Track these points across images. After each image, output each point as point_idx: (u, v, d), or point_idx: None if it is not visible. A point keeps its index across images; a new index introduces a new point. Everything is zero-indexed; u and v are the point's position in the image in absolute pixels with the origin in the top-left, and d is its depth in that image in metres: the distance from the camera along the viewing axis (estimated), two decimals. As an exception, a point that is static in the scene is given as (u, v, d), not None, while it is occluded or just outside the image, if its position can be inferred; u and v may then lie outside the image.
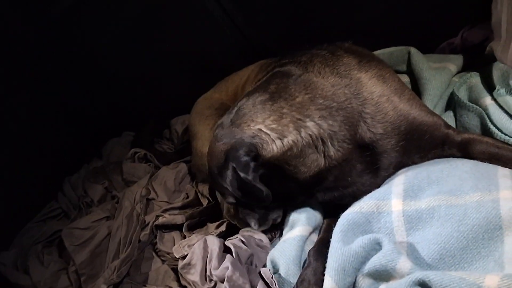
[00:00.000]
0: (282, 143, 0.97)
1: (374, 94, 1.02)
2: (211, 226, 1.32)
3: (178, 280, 1.22)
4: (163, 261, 1.33)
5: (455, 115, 1.20)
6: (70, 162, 1.72)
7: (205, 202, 1.42)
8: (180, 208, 1.41)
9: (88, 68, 1.76)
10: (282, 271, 1.02)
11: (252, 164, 0.96)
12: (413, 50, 1.38)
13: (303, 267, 1.03)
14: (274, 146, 0.97)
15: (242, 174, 0.96)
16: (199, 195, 1.44)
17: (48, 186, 1.64)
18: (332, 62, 1.07)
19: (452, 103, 1.23)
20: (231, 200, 1.07)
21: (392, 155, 1.03)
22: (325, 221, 1.12)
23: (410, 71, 1.37)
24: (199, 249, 1.13)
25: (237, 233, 1.21)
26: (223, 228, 1.26)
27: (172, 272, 1.25)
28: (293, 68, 1.08)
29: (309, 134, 0.98)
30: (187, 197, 1.46)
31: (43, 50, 1.64)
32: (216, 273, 1.06)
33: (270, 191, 0.99)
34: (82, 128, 1.81)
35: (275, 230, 1.19)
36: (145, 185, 1.49)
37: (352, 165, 1.01)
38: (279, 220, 1.15)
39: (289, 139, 0.97)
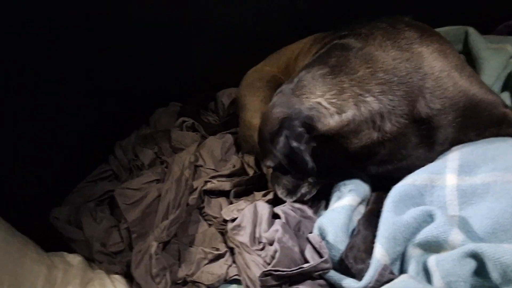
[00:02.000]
0: (341, 118, 0.99)
1: (435, 69, 1.02)
2: (258, 194, 1.35)
3: (224, 242, 1.26)
4: (209, 224, 1.37)
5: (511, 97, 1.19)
6: (121, 128, 1.78)
7: (251, 172, 1.45)
8: (227, 176, 1.45)
9: (138, 39, 1.80)
10: (330, 238, 1.04)
11: (305, 136, 0.99)
12: (471, 29, 1.36)
13: (350, 236, 1.05)
14: (331, 120, 0.99)
15: (294, 143, 0.99)
16: (245, 166, 1.47)
17: (99, 150, 1.70)
18: (393, 36, 1.07)
19: (509, 85, 1.21)
20: (270, 163, 1.10)
21: (448, 131, 1.03)
22: (374, 193, 1.13)
23: (467, 52, 1.36)
24: (249, 213, 1.17)
25: (283, 203, 1.24)
26: (270, 196, 1.29)
27: (219, 235, 1.30)
28: (353, 41, 1.09)
29: (369, 110, 0.99)
30: (234, 167, 1.50)
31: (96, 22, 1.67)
32: (266, 235, 1.09)
33: (316, 165, 1.02)
34: (132, 97, 1.86)
35: (318, 204, 1.22)
36: (193, 152, 1.53)
37: (407, 139, 1.02)
38: (308, 197, 1.18)
39: (348, 114, 0.99)
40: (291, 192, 1.17)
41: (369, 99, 0.99)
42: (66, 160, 1.59)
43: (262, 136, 1.10)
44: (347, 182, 1.15)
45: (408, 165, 1.05)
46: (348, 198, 1.09)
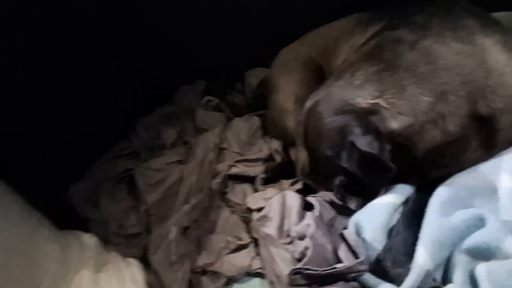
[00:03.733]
0: (403, 119, 0.89)
1: (499, 63, 0.92)
2: (286, 182, 1.27)
3: (248, 232, 1.19)
4: (232, 212, 1.30)
5: None
6: (144, 104, 1.70)
7: (278, 159, 1.37)
8: (252, 161, 1.37)
9: (164, 13, 1.72)
10: (367, 236, 0.96)
11: (376, 142, 0.87)
12: (530, 16, 1.24)
13: (389, 237, 0.97)
14: (393, 122, 0.89)
15: (366, 149, 0.86)
16: (272, 151, 1.39)
17: (121, 125, 1.63)
18: (452, 24, 0.96)
19: None
20: (340, 180, 0.97)
21: (509, 132, 0.93)
22: (417, 193, 1.04)
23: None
24: (278, 203, 1.09)
25: (314, 193, 1.16)
26: (299, 186, 1.20)
27: (242, 223, 1.22)
28: (407, 32, 0.98)
29: (431, 110, 0.89)
30: (260, 151, 1.41)
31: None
32: (296, 229, 1.01)
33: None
34: (156, 73, 1.78)
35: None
36: (218, 134, 1.45)
37: (468, 142, 0.92)
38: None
39: (411, 114, 0.89)
40: (367, 199, 1.05)
41: (431, 99, 0.88)
42: (86, 135, 1.53)
43: (320, 156, 0.97)
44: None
45: (461, 170, 0.95)
46: (392, 195, 0.99)
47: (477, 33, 0.95)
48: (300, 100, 1.30)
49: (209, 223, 1.29)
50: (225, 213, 1.30)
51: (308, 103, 1.03)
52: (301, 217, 1.04)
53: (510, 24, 1.28)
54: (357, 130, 0.88)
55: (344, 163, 0.90)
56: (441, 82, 0.89)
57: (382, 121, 0.88)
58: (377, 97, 0.89)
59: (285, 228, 1.05)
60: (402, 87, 0.89)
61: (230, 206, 1.31)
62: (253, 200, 1.17)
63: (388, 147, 0.88)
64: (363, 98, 0.90)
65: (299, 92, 1.30)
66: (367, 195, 1.01)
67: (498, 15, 1.31)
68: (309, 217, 1.01)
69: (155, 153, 1.50)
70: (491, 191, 0.91)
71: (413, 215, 0.97)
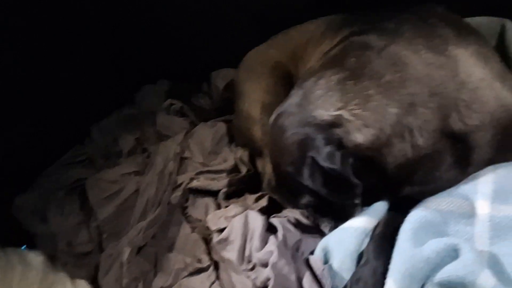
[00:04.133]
0: (368, 131, 0.80)
1: (474, 77, 0.84)
2: (250, 198, 1.18)
3: (208, 253, 1.10)
4: (193, 228, 1.20)
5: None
6: (101, 105, 1.59)
7: (244, 170, 1.28)
8: (216, 172, 1.27)
9: (125, 4, 1.60)
10: (335, 263, 0.88)
11: (338, 154, 0.78)
12: (509, 23, 1.17)
13: (357, 264, 0.89)
14: (358, 135, 0.80)
15: (327, 165, 0.78)
16: (238, 161, 1.30)
17: (74, 129, 1.51)
18: (424, 32, 0.89)
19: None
20: (308, 199, 0.88)
21: (485, 151, 0.86)
22: (388, 213, 0.97)
23: (502, 49, 1.17)
24: (239, 225, 1.00)
25: (279, 210, 1.08)
26: (264, 202, 1.12)
27: (202, 243, 1.13)
28: (375, 38, 0.90)
29: (397, 123, 0.81)
30: (225, 161, 1.32)
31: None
32: (258, 256, 0.93)
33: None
34: (115, 70, 1.66)
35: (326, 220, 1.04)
36: (180, 142, 1.35)
37: (442, 158, 0.85)
38: None
39: (376, 126, 0.80)
40: (340, 220, 0.96)
41: (398, 110, 0.81)
42: (35, 139, 1.41)
43: (282, 173, 0.89)
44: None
45: (435, 189, 0.88)
46: (364, 218, 0.91)
47: (451, 44, 0.88)
48: (267, 108, 1.21)
49: (167, 240, 1.20)
50: (185, 229, 1.21)
51: (272, 116, 0.94)
52: (264, 241, 0.96)
53: (490, 30, 1.22)
54: (318, 144, 0.79)
55: (306, 180, 0.82)
56: (409, 92, 0.81)
57: (346, 134, 0.80)
58: (340, 109, 0.81)
59: (247, 253, 0.96)
60: (367, 97, 0.81)
61: (190, 222, 1.22)
62: (214, 220, 1.08)
63: (351, 161, 0.80)
64: (325, 110, 0.81)
65: (265, 100, 1.21)
66: (339, 216, 0.93)
67: (478, 20, 1.25)
68: (272, 242, 0.93)
69: (110, 161, 1.39)
70: (467, 218, 0.84)
71: (383, 241, 0.89)
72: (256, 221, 0.99)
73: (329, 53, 0.93)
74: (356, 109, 0.80)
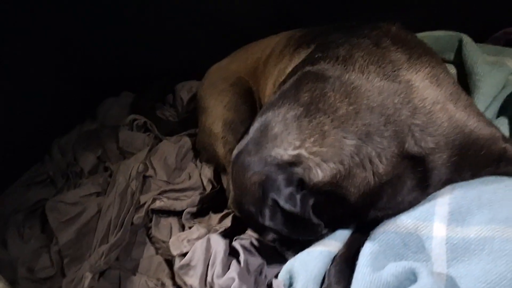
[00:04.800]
0: (328, 166, 0.80)
1: (427, 101, 0.85)
2: (214, 217, 1.17)
3: (172, 277, 1.08)
4: (157, 249, 1.19)
5: (510, 124, 1.04)
6: (61, 121, 1.54)
7: (208, 187, 1.26)
8: (180, 190, 1.26)
9: (88, 11, 1.55)
10: (298, 287, 0.88)
11: (298, 195, 0.78)
12: (465, 38, 1.19)
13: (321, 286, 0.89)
14: (318, 171, 0.79)
15: (287, 207, 0.77)
16: (203, 178, 1.28)
17: (34, 147, 1.46)
18: (377, 58, 0.89)
19: (509, 109, 1.06)
20: (273, 236, 0.88)
21: (443, 172, 0.87)
22: (351, 235, 0.97)
23: (460, 62, 1.19)
24: (201, 249, 0.99)
25: (243, 229, 1.07)
26: (227, 222, 1.11)
27: (166, 266, 1.12)
28: (329, 67, 0.89)
29: (356, 154, 0.80)
30: (189, 178, 1.30)
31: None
32: (219, 282, 0.92)
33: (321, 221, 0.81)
34: (76, 83, 1.62)
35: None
36: (143, 160, 1.32)
37: (403, 182, 0.85)
38: None
39: (336, 160, 0.80)
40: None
41: (355, 142, 0.80)
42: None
43: (246, 213, 0.87)
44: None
45: (398, 211, 0.88)
46: (329, 242, 0.91)
47: (403, 69, 0.88)
48: (228, 126, 1.21)
49: (131, 262, 1.18)
50: (149, 251, 1.19)
51: (234, 152, 0.92)
52: (226, 267, 0.95)
53: (448, 45, 1.24)
54: (279, 185, 0.78)
55: (268, 221, 0.81)
56: (364, 123, 0.81)
57: (306, 173, 0.79)
58: (298, 147, 0.80)
59: (209, 279, 0.95)
60: (323, 133, 0.80)
61: (154, 243, 1.20)
62: (176, 243, 1.06)
63: (311, 202, 0.79)
64: (284, 149, 0.81)
65: (227, 117, 1.20)
66: (305, 246, 0.92)
67: (436, 34, 1.26)
68: (234, 268, 0.92)
69: (71, 182, 1.35)
70: (424, 240, 0.85)
71: (344, 265, 0.89)
72: (219, 245, 0.98)
73: (285, 83, 0.91)
74: (313, 147, 0.80)
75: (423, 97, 0.85)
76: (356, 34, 0.96)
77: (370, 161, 0.82)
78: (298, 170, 0.79)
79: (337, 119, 0.81)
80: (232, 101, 1.22)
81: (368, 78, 0.85)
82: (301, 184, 0.79)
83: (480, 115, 0.91)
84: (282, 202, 0.77)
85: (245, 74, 1.28)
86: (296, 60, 1.02)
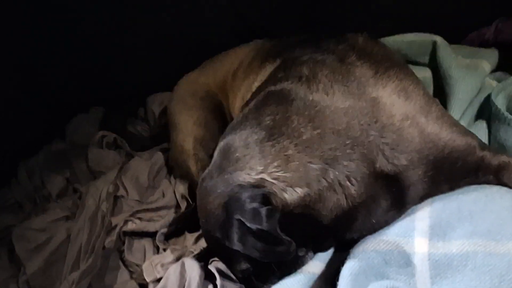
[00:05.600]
0: (295, 191, 0.76)
1: (395, 118, 0.82)
2: (190, 237, 1.12)
3: (147, 304, 1.03)
4: (131, 273, 1.13)
5: (489, 128, 1.01)
6: (28, 141, 1.47)
7: (183, 205, 1.21)
8: (154, 210, 1.20)
9: (54, 25, 1.48)
10: None
11: (263, 210, 0.73)
12: (439, 40, 1.17)
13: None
14: (285, 195, 0.76)
15: (254, 226, 0.72)
16: (177, 196, 1.23)
17: (1, 170, 1.39)
18: (341, 77, 0.86)
19: (486, 113, 1.03)
20: (246, 265, 0.81)
21: (419, 187, 0.84)
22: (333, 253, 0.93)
23: (434, 66, 1.16)
24: (175, 276, 0.94)
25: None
26: (203, 243, 1.06)
27: (141, 292, 1.06)
28: (292, 87, 0.85)
29: (324, 178, 0.77)
30: (163, 196, 1.25)
31: None
32: (194, 312, 0.87)
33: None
34: (43, 101, 1.54)
35: None
36: (113, 180, 1.26)
37: (378, 203, 0.81)
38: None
39: (302, 184, 0.76)
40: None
41: (322, 166, 0.77)
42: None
43: (213, 240, 0.82)
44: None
45: (375, 231, 0.85)
46: (312, 263, 0.87)
47: (369, 85, 0.84)
48: (199, 142, 1.17)
49: (104, 288, 1.12)
50: (123, 275, 1.14)
51: (200, 179, 0.88)
52: (202, 293, 0.90)
53: (421, 48, 1.22)
54: (243, 203, 0.74)
55: (236, 245, 0.76)
56: (330, 147, 0.78)
57: (270, 196, 0.75)
58: (261, 172, 0.76)
59: (184, 308, 0.90)
60: (287, 159, 0.76)
61: (128, 267, 1.15)
62: (149, 269, 1.01)
63: (278, 216, 0.74)
64: (246, 174, 0.76)
65: (197, 134, 1.17)
66: (286, 273, 0.85)
67: (411, 37, 1.24)
68: (210, 295, 0.87)
69: (39, 206, 1.29)
70: (406, 257, 0.81)
71: (324, 285, 0.86)
72: (193, 270, 0.93)
73: (248, 104, 0.87)
74: (277, 172, 0.76)
75: (391, 114, 0.82)
76: (321, 49, 0.93)
77: (340, 184, 0.79)
78: (263, 190, 0.75)
79: (301, 143, 0.77)
80: (202, 117, 1.18)
81: (332, 99, 0.81)
82: (265, 201, 0.75)
83: (454, 125, 0.89)
84: (247, 221, 0.73)
85: (215, 87, 1.24)
86: (263, 75, 1.00)
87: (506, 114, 0.96)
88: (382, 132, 0.80)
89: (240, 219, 0.73)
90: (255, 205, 0.73)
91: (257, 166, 0.76)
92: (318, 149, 0.77)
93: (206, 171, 0.83)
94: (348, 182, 0.78)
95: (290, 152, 0.77)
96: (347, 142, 0.78)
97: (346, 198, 0.78)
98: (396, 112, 0.82)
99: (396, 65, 0.91)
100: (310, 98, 0.82)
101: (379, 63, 0.88)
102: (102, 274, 1.14)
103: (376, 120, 0.81)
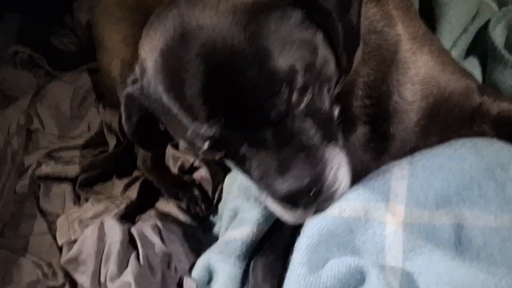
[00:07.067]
0: None
1: (403, 36, 0.70)
2: (118, 184, 0.94)
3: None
4: (49, 224, 0.95)
5: (483, 67, 0.84)
6: None
7: (112, 142, 1.01)
8: (75, 148, 1.00)
9: None
10: (217, 285, 0.70)
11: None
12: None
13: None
14: None
15: None
16: (105, 130, 1.02)
17: None
18: None
19: (480, 48, 0.85)
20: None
21: (406, 139, 0.73)
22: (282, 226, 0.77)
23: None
24: (92, 240, 0.77)
25: (152, 202, 0.86)
26: (133, 192, 0.88)
27: (58, 252, 0.89)
28: None
29: None
30: (88, 130, 1.04)
31: None
32: (114, 287, 0.70)
33: None
34: None
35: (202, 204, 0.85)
36: (26, 109, 1.03)
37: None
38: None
39: None
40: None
41: None
42: None
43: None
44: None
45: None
46: (251, 227, 0.73)
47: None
48: (127, 66, 0.93)
49: (19, 240, 0.95)
50: (39, 226, 0.97)
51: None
52: (123, 263, 0.73)
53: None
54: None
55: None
56: None
57: None
58: None
59: (102, 278, 0.74)
60: None
61: (46, 215, 0.96)
62: (63, 227, 0.83)
63: None
64: None
65: (125, 55, 0.93)
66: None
67: None
68: (132, 268, 0.71)
69: None
70: (376, 226, 0.67)
71: (273, 258, 0.72)
72: (114, 234, 0.76)
73: None
74: None
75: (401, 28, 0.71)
76: None
77: None
78: None
79: None
80: (130, 35, 0.93)
81: None
82: None
83: (453, 63, 0.77)
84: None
85: (149, -4, 0.98)
86: None
87: (504, 52, 0.80)
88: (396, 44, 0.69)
89: None
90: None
91: None
92: None
93: None
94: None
95: None
96: None
97: None
98: (403, 32, 0.71)
99: None
100: None
101: None
102: (16, 222, 0.97)
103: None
